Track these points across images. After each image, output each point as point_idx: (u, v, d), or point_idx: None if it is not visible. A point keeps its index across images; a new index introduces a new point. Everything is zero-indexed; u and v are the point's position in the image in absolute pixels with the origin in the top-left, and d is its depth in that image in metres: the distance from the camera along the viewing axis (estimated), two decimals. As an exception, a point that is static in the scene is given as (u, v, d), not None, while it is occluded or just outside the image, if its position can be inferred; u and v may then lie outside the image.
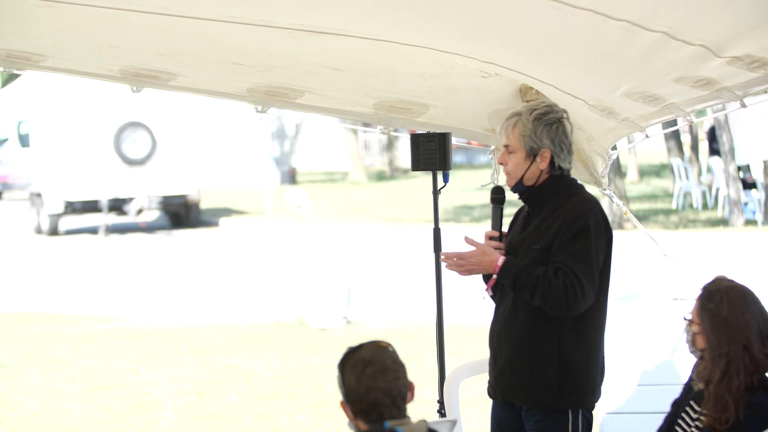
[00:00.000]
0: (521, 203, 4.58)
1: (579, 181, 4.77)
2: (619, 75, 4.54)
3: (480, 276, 4.54)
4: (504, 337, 4.45)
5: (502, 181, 5.47)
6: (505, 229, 4.56)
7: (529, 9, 3.96)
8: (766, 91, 4.61)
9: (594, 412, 4.52)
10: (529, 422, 4.41)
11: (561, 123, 4.41)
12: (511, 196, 4.56)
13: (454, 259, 4.42)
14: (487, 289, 4.49)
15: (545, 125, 4.38)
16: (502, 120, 5.58)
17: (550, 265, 4.27)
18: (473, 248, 4.41)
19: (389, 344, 3.46)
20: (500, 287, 4.47)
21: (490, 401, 4.63)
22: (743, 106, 4.55)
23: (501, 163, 4.51)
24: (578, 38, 4.14)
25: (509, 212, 4.49)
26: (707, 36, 3.85)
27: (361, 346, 3.44)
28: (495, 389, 4.53)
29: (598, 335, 4.41)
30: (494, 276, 4.36)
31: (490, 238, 4.50)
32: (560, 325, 4.31)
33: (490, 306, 4.61)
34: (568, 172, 4.47)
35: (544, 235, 4.35)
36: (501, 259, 4.33)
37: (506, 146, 4.46)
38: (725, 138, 19.55)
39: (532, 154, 4.39)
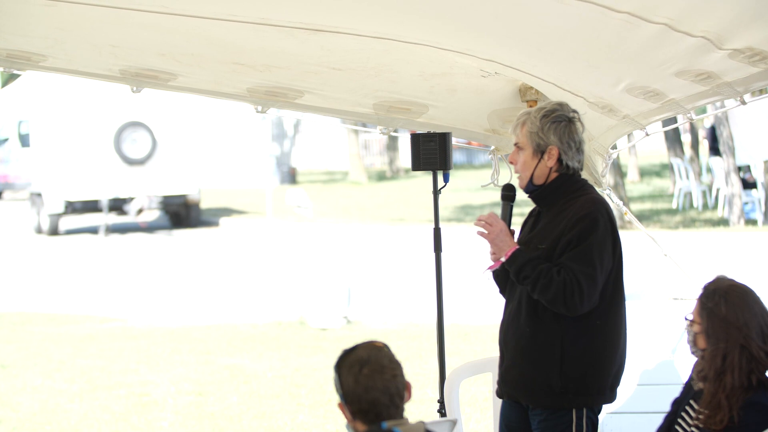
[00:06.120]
0: (532, 202, 4.57)
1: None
2: (620, 68, 4.53)
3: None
4: (510, 337, 4.47)
5: (502, 181, 5.48)
6: (514, 227, 4.56)
7: (529, 2, 3.95)
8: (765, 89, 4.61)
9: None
10: (534, 421, 4.43)
11: (571, 122, 4.39)
12: (522, 195, 4.55)
13: (485, 222, 4.43)
14: (488, 269, 4.48)
15: (552, 122, 4.37)
16: (501, 120, 5.62)
17: (554, 264, 4.27)
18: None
19: (384, 344, 3.46)
20: (510, 285, 4.48)
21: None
22: (743, 103, 4.54)
23: (511, 162, 4.51)
24: (579, 31, 4.13)
25: (520, 211, 4.48)
26: (708, 27, 3.84)
27: (356, 347, 3.43)
28: (502, 388, 4.55)
29: (609, 335, 4.38)
30: (502, 259, 4.37)
31: None
32: (564, 325, 4.31)
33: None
34: (578, 172, 4.46)
35: (549, 235, 4.35)
36: (514, 247, 4.35)
37: (516, 144, 4.47)
38: (726, 137, 19.54)
39: (540, 152, 4.39)
